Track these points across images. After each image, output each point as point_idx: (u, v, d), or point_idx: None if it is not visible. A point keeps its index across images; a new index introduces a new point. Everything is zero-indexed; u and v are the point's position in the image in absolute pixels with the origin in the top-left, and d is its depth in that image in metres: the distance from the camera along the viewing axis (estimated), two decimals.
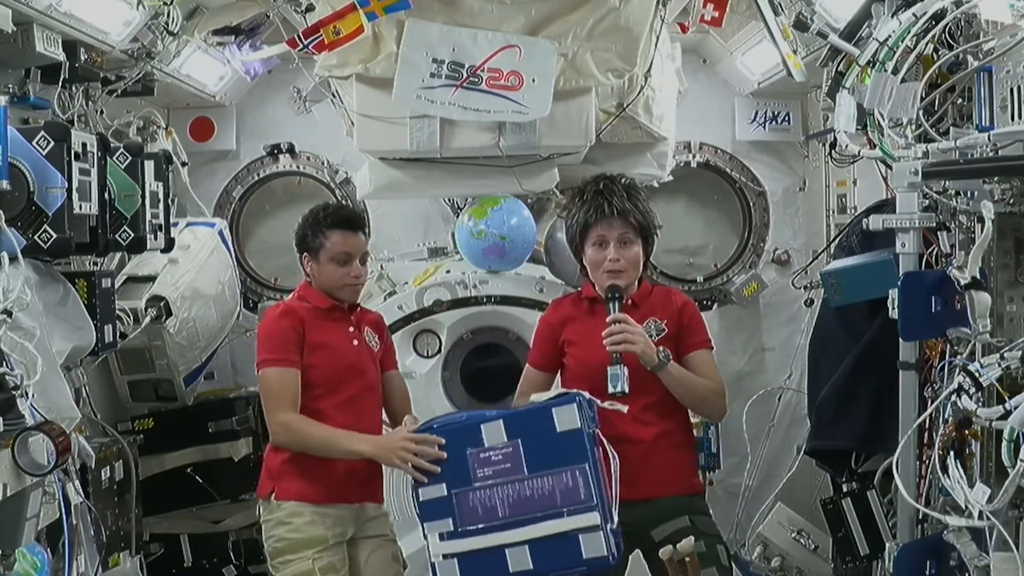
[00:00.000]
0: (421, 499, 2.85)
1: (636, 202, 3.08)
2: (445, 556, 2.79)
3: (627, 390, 2.90)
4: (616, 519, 2.79)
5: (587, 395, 2.86)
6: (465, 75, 3.83)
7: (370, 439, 3.13)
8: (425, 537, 2.85)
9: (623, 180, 3.14)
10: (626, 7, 3.84)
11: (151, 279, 4.13)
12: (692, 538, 2.78)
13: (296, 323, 3.18)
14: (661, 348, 3.01)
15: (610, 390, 2.91)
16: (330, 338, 3.21)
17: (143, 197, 3.62)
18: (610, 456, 2.81)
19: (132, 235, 3.58)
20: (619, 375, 2.91)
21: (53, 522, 2.92)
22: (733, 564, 4.25)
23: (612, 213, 3.04)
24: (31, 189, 3.01)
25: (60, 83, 3.54)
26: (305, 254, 3.26)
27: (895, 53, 2.89)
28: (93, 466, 3.47)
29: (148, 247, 3.71)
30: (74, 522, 3.04)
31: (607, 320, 2.98)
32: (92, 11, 3.48)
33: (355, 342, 3.26)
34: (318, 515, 3.11)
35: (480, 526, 2.79)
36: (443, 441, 2.89)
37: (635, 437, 3.02)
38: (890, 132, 2.95)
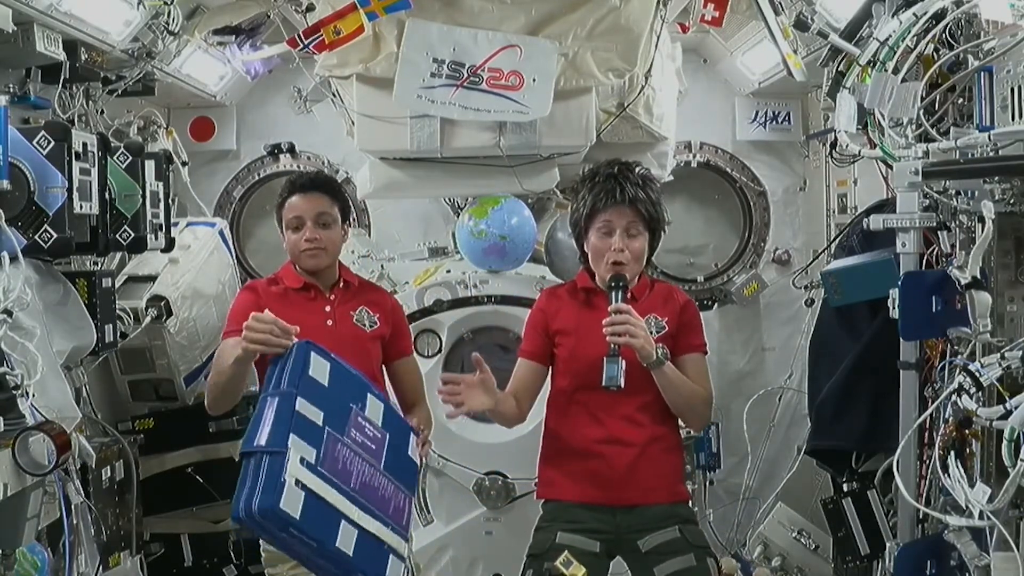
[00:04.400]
0: (297, 408, 2.53)
1: (649, 192, 2.98)
2: (297, 482, 2.44)
3: (623, 384, 2.80)
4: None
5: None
6: (465, 75, 3.82)
7: (235, 341, 2.83)
8: (286, 450, 2.46)
9: (638, 168, 3.04)
10: (627, 7, 3.84)
11: (151, 279, 4.12)
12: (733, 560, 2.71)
13: (254, 297, 3.11)
14: (660, 345, 2.92)
15: (604, 383, 2.79)
16: (291, 318, 2.92)
17: (143, 197, 3.62)
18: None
19: (132, 235, 3.58)
20: (616, 367, 2.79)
21: (53, 522, 2.93)
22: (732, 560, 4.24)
23: (623, 200, 2.93)
24: (31, 189, 3.01)
25: (60, 83, 3.54)
26: (281, 231, 3.21)
27: (895, 53, 2.89)
28: (93, 466, 3.47)
29: (148, 247, 3.70)
30: (74, 522, 3.04)
31: (609, 309, 2.86)
32: (92, 11, 3.48)
33: (329, 322, 3.11)
34: None
35: (335, 480, 2.52)
36: (294, 329, 2.69)
37: (626, 439, 2.95)
38: (890, 132, 2.95)
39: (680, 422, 3.14)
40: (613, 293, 2.92)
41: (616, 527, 2.97)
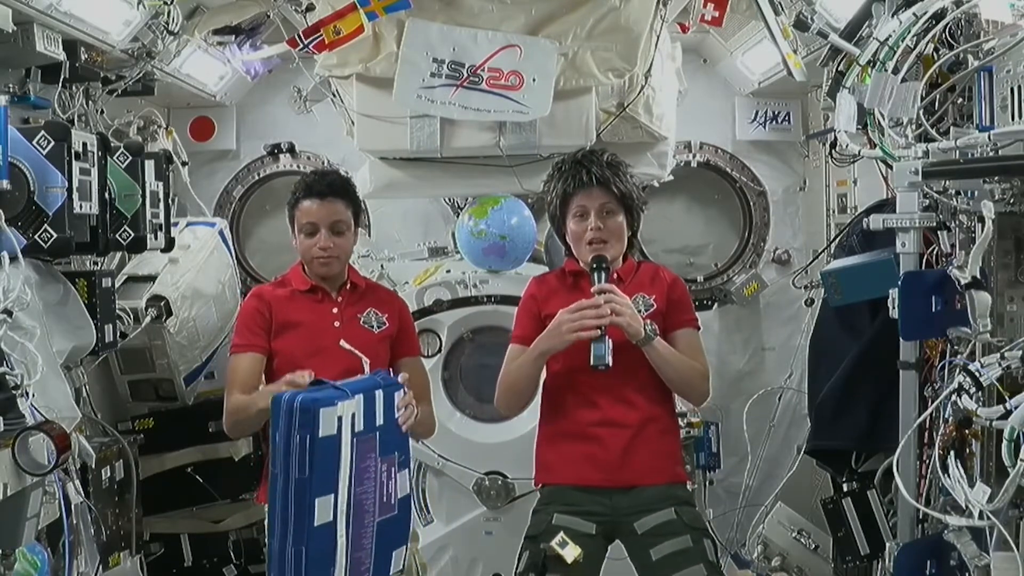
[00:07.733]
0: (375, 391, 2.63)
1: (617, 172, 3.00)
2: (340, 419, 2.47)
3: (611, 363, 2.80)
4: None
5: None
6: (465, 75, 3.83)
7: (269, 388, 2.86)
8: (350, 396, 2.53)
9: (604, 154, 3.06)
10: (626, 7, 3.84)
11: (151, 279, 4.12)
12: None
13: (261, 305, 3.10)
14: (648, 322, 2.92)
15: (592, 363, 2.80)
16: (300, 320, 3.07)
17: (143, 197, 3.62)
18: None
19: (132, 235, 3.58)
20: (603, 347, 2.79)
21: (53, 521, 2.93)
22: (732, 560, 4.23)
23: (591, 182, 2.95)
24: (31, 189, 3.01)
25: (60, 83, 3.53)
26: (292, 231, 3.20)
27: (895, 53, 2.89)
28: (93, 466, 3.47)
29: (148, 247, 3.70)
30: (74, 522, 3.05)
31: (592, 290, 2.88)
32: (92, 11, 3.48)
33: (336, 323, 3.11)
34: None
35: (353, 466, 2.52)
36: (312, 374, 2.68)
37: (620, 420, 2.95)
38: (890, 132, 2.94)
39: (680, 405, 3.16)
40: (595, 274, 2.93)
41: (613, 509, 2.96)
